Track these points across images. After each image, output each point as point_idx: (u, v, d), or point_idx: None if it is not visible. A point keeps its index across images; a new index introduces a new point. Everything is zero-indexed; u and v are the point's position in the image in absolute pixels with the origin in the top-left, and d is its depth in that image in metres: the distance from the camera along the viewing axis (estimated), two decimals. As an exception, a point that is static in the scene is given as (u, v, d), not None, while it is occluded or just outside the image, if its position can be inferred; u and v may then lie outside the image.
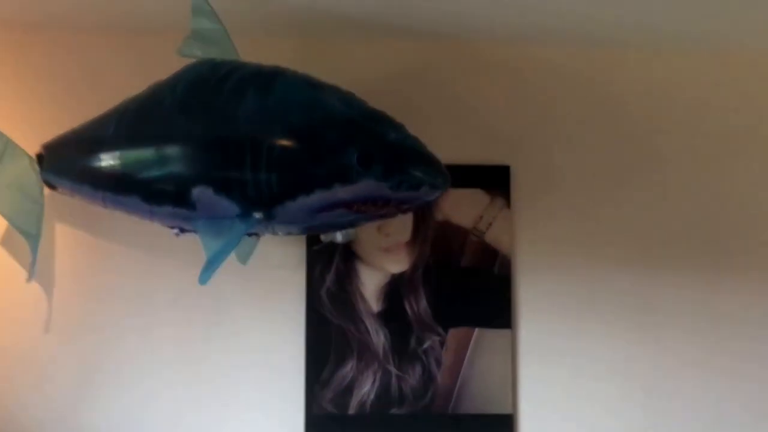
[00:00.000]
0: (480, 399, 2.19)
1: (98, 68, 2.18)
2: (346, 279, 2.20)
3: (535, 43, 2.27)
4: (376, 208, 1.61)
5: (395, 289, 2.21)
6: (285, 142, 1.58)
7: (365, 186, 1.56)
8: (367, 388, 2.18)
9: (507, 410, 2.19)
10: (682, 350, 2.23)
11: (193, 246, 2.11)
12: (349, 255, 2.20)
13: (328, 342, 2.18)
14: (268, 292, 2.19)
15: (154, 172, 1.69)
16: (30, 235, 1.95)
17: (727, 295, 2.25)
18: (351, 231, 1.80)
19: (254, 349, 2.18)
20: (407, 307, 2.21)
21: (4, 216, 1.98)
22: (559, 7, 2.01)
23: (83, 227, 2.17)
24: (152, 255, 2.17)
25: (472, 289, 2.22)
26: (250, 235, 1.82)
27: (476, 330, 2.21)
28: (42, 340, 2.13)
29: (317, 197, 1.57)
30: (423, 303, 2.21)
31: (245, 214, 1.61)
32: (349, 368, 2.19)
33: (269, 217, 1.62)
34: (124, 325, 2.15)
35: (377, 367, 2.19)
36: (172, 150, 1.67)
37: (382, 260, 2.21)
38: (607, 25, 2.15)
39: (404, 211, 1.75)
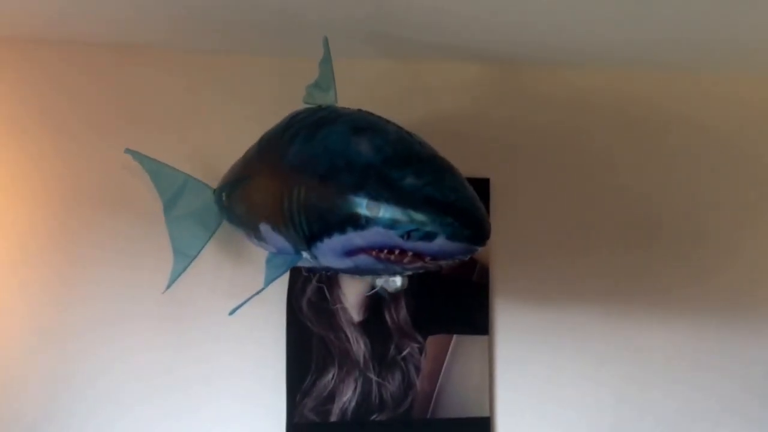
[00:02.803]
0: (458, 403, 2.25)
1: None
2: (327, 289, 2.22)
3: (523, 63, 2.33)
4: (398, 258, 1.52)
5: (376, 300, 2.23)
6: (310, 187, 1.59)
7: (376, 233, 1.50)
8: (348, 396, 2.22)
9: (484, 413, 2.26)
10: (650, 357, 2.33)
11: (163, 250, 2.14)
12: (329, 265, 2.21)
13: (309, 351, 2.20)
14: (249, 303, 2.18)
15: (242, 209, 1.90)
16: (186, 255, 2.11)
17: (687, 302, 2.36)
18: (396, 279, 1.74)
19: (235, 360, 2.19)
20: (387, 316, 2.24)
21: (171, 236, 2.12)
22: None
23: (59, 237, 2.13)
24: (130, 264, 2.15)
25: (451, 297, 2.27)
26: (327, 273, 1.87)
27: (454, 337, 2.26)
28: (12, 349, 2.09)
29: (338, 241, 1.55)
30: (403, 312, 2.24)
31: (297, 252, 1.67)
32: (330, 377, 2.21)
33: (313, 257, 1.64)
34: (101, 335, 2.13)
35: (358, 375, 2.22)
36: (249, 191, 1.85)
37: (363, 270, 2.23)
38: (577, 46, 2.19)
39: (440, 266, 1.61)
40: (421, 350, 2.25)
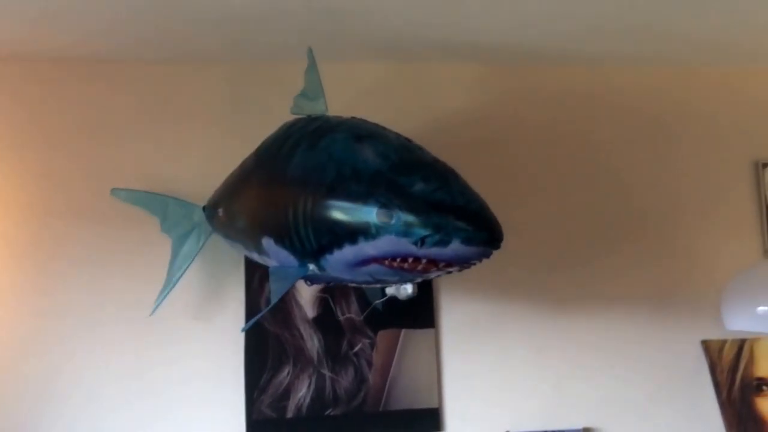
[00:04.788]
0: (409, 395, 2.36)
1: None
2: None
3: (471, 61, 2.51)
4: (412, 266, 1.52)
5: (327, 297, 2.35)
6: (317, 198, 1.57)
7: (387, 241, 1.49)
8: (303, 392, 2.31)
9: (434, 404, 2.37)
10: (587, 345, 2.47)
11: (131, 258, 2.27)
12: (283, 266, 2.33)
13: (265, 349, 2.31)
14: (208, 303, 2.29)
15: (241, 223, 1.89)
16: (173, 275, 2.20)
17: (619, 291, 2.51)
18: (407, 286, 1.75)
19: (195, 359, 2.28)
20: (339, 312, 2.36)
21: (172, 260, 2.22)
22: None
23: (28, 246, 2.24)
24: (94, 271, 2.26)
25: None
26: (328, 283, 1.87)
27: (403, 331, 2.38)
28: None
29: (348, 252, 1.54)
30: (354, 308, 2.36)
31: (302, 264, 1.67)
32: (285, 374, 2.31)
33: (321, 269, 1.64)
34: (63, 341, 2.22)
35: (312, 371, 2.32)
36: (249, 205, 1.84)
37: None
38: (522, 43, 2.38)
39: (456, 270, 1.59)
40: (372, 345, 2.37)
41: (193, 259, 2.20)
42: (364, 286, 1.92)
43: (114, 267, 2.27)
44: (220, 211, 2.03)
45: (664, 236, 2.57)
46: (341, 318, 2.35)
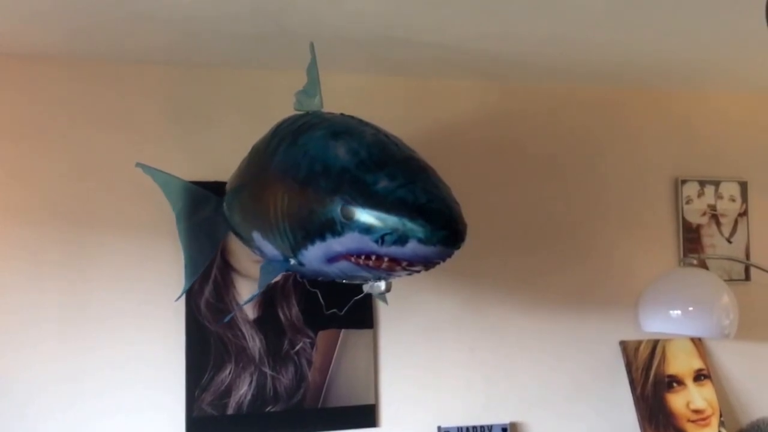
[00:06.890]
0: (346, 393, 2.45)
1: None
2: (224, 290, 2.38)
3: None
4: (376, 264, 1.52)
5: (269, 298, 2.41)
6: (292, 194, 1.60)
7: (352, 239, 1.49)
8: (244, 390, 2.37)
9: (370, 401, 2.47)
10: (515, 343, 2.62)
11: (76, 250, 2.27)
12: (226, 267, 2.38)
13: (207, 349, 2.35)
14: (148, 304, 2.31)
15: (237, 217, 1.99)
16: (196, 265, 2.21)
17: (545, 294, 2.66)
18: (380, 284, 1.75)
19: (136, 358, 2.30)
20: (280, 313, 2.42)
21: (183, 247, 2.21)
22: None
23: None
24: (35, 261, 2.25)
25: (338, 294, 2.43)
26: (316, 278, 1.89)
27: (342, 331, 2.47)
28: None
29: (319, 248, 1.56)
30: (294, 309, 2.43)
31: (285, 259, 1.70)
32: (227, 372, 2.36)
33: (300, 264, 1.66)
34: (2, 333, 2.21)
35: (253, 369, 2.38)
36: (241, 200, 1.93)
37: (257, 271, 2.38)
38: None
39: (422, 269, 1.61)
40: (312, 345, 2.44)
41: (216, 251, 2.26)
42: (346, 281, 1.93)
43: (47, 264, 2.25)
44: (224, 204, 2.10)
45: (589, 244, 2.72)
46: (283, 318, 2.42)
